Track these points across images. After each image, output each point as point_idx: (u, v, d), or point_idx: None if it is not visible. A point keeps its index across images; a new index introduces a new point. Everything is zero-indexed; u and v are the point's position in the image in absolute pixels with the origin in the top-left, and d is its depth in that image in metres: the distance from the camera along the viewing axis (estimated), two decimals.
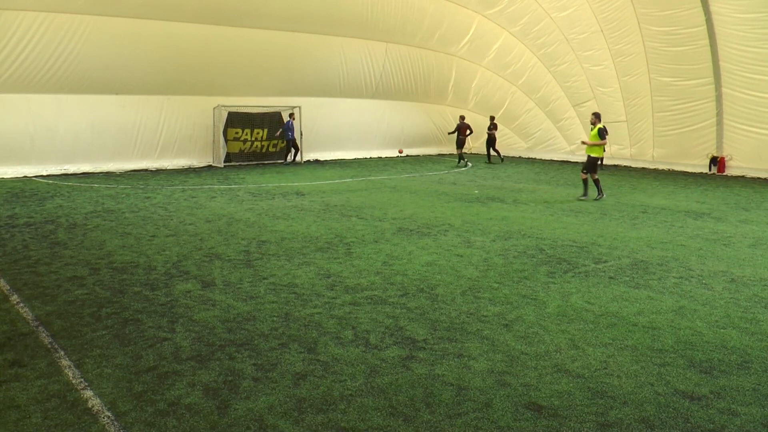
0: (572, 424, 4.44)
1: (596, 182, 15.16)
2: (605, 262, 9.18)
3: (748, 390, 5.00)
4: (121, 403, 4.58)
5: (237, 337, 5.90)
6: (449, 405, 4.64)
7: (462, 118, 25.45)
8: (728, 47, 20.24)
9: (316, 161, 24.82)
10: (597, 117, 15.26)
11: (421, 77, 28.57)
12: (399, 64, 27.47)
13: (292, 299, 7.07)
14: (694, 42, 20.94)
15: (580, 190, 15.99)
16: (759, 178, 19.99)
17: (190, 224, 11.55)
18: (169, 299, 7.06)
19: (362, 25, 24.82)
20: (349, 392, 4.83)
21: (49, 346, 5.65)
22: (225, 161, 22.56)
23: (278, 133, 23.03)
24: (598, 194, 15.14)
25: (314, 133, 24.93)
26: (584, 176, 15.22)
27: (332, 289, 7.50)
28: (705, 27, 20.43)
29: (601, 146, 15.22)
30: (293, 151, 23.65)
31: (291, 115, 23.09)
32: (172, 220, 11.97)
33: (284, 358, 5.45)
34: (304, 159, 24.27)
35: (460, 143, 24.94)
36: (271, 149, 23.94)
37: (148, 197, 14.81)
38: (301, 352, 5.57)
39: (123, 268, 8.40)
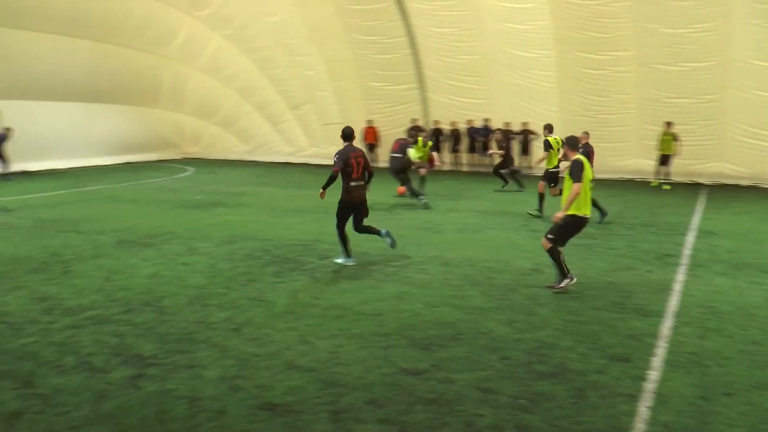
0: (306, 417, 4.63)
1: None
2: (330, 257, 9.48)
3: (461, 359, 5.64)
4: None
5: None
6: (183, 419, 4.60)
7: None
8: (428, 56, 22.42)
9: (24, 173, 21.23)
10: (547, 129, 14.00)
11: (133, 79, 25.58)
12: (109, 65, 24.17)
13: (2, 330, 6.43)
14: (398, 51, 22.66)
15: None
16: (461, 171, 21.85)
17: None
18: None
19: (63, 20, 21.52)
20: (75, 424, 4.52)
21: None
22: None
23: None
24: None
25: (19, 141, 20.31)
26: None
27: (50, 313, 6.93)
28: (407, 38, 22.24)
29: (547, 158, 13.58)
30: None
31: (6, 129, 19.99)
32: None
33: None
34: (9, 170, 20.36)
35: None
36: None
37: None
38: (15, 388, 5.09)
39: None
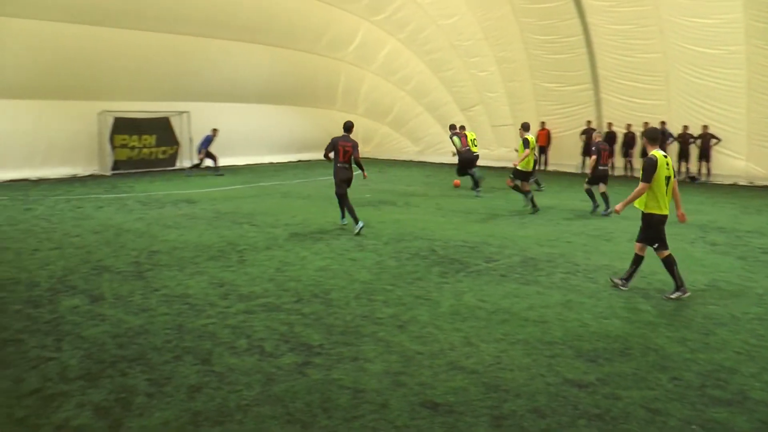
0: (468, 419, 4.60)
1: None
2: (496, 260, 9.57)
3: (628, 375, 5.42)
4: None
5: (129, 353, 5.76)
6: (346, 408, 4.72)
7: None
8: (604, 55, 21.76)
9: (208, 168, 22.52)
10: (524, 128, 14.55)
11: (309, 82, 27.54)
12: (287, 69, 26.19)
13: (185, 310, 6.98)
14: (573, 50, 22.19)
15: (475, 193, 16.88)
16: (634, 177, 18.00)
17: (75, 236, 11.10)
18: (54, 316, 6.78)
19: (247, 28, 23.47)
20: (246, 402, 4.81)
21: None
22: (113, 169, 21.36)
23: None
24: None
25: (203, 138, 21.96)
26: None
27: (226, 298, 7.41)
28: (583, 36, 21.73)
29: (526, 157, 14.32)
30: (210, 162, 21.97)
31: (214, 131, 21.63)
32: (56, 232, 11.44)
33: (178, 371, 5.37)
34: (192, 165, 22.08)
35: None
36: (160, 156, 22.94)
37: (29, 209, 14.02)
38: (195, 364, 5.50)
39: (2, 286, 8.01)
